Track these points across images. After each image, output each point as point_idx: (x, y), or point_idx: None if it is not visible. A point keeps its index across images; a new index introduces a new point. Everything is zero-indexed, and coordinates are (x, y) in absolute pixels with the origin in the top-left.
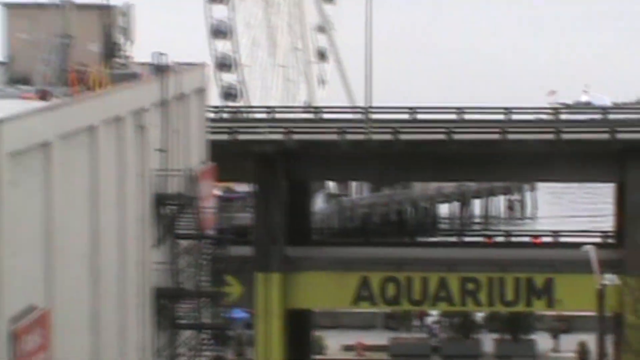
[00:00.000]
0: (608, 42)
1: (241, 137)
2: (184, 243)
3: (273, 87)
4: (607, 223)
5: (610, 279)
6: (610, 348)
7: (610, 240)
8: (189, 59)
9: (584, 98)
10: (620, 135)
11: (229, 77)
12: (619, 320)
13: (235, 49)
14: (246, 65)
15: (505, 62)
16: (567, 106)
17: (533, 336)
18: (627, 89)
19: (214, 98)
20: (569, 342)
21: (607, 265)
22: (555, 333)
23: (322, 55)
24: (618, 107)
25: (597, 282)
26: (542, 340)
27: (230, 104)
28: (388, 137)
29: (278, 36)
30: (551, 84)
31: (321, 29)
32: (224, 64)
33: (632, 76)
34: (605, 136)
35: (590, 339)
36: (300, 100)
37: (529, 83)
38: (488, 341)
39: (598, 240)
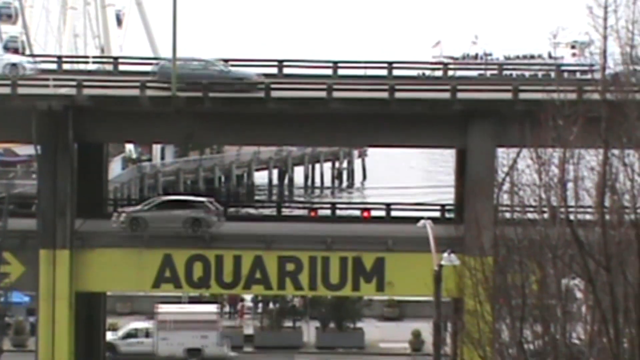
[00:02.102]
0: None
1: (23, 90)
2: None
3: (61, 32)
4: (448, 195)
5: (448, 259)
6: (447, 337)
7: (449, 215)
8: None
9: (472, 50)
10: (462, 95)
11: None
12: (457, 306)
13: None
14: (28, 6)
15: (385, 9)
16: (455, 60)
17: (360, 324)
18: (521, 40)
19: None
20: (401, 330)
21: (445, 243)
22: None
23: None
24: (465, 63)
25: (434, 263)
26: (371, 329)
27: (5, 26)
28: (197, 93)
29: None
30: (438, 34)
31: None
32: None
33: (526, 27)
34: (446, 95)
35: (425, 327)
36: (97, 44)
37: (413, 33)
38: (310, 330)
39: (436, 214)
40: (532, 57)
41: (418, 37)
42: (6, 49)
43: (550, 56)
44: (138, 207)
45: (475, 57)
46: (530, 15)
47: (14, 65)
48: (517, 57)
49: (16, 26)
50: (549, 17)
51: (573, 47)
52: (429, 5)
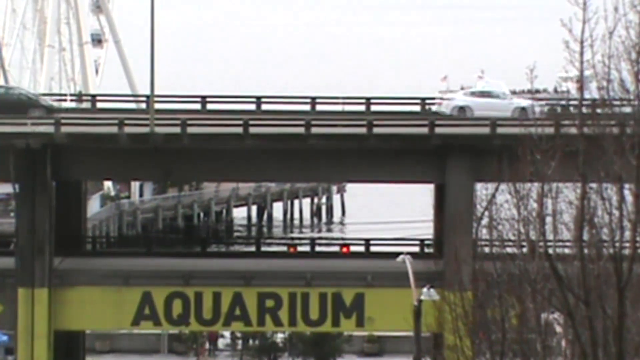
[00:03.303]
0: (506, 26)
1: (0, 128)
2: None
3: (39, 71)
4: (427, 230)
5: (428, 294)
6: None
7: (428, 250)
8: None
9: (479, 84)
10: (440, 130)
11: None
12: (437, 341)
13: None
14: (5, 44)
15: (397, 45)
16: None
17: None
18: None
19: None
20: None
21: (424, 278)
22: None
23: (98, 41)
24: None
25: (414, 298)
26: None
27: None
28: (175, 130)
29: (46, 11)
30: (446, 69)
31: (98, 8)
32: None
33: (531, 62)
34: (424, 130)
35: None
36: (72, 88)
37: (423, 68)
38: None
39: (416, 249)
40: (537, 91)
41: (427, 71)
42: None
43: (555, 90)
44: None
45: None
46: (535, 50)
47: (523, 109)
48: (523, 92)
49: None
50: (555, 52)
51: (578, 81)
52: (438, 39)
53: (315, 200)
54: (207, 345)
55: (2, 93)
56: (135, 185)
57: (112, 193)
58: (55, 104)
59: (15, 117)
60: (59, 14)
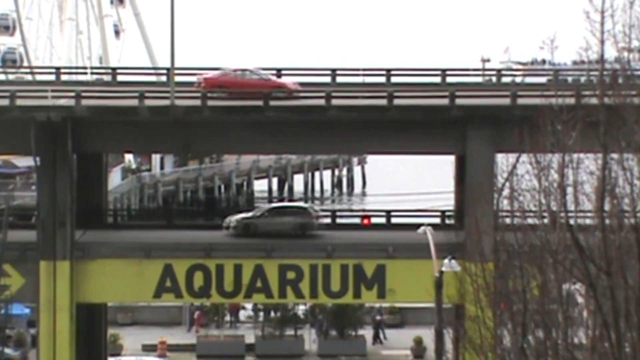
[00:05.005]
0: None
1: (21, 102)
2: None
3: (60, 44)
4: (448, 201)
5: (449, 265)
6: (449, 343)
7: (449, 221)
8: None
9: (540, 55)
10: (460, 101)
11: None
12: (459, 312)
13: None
14: (28, 19)
15: (456, 19)
16: (523, 65)
17: (362, 332)
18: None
19: None
20: (403, 337)
21: (446, 250)
22: (384, 327)
23: (115, 32)
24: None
25: (435, 269)
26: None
27: (2, 37)
28: (195, 102)
29: None
30: (509, 40)
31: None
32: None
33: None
34: (444, 102)
35: (426, 334)
36: (92, 56)
37: (484, 39)
38: (311, 338)
39: (437, 220)
40: (597, 62)
41: (489, 43)
42: (3, 61)
43: (616, 60)
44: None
45: (543, 62)
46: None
47: None
48: (583, 62)
49: (14, 37)
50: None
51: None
52: (501, 11)
53: (336, 172)
54: (228, 317)
55: None
56: (156, 158)
57: (133, 166)
58: None
59: (34, 89)
60: None
